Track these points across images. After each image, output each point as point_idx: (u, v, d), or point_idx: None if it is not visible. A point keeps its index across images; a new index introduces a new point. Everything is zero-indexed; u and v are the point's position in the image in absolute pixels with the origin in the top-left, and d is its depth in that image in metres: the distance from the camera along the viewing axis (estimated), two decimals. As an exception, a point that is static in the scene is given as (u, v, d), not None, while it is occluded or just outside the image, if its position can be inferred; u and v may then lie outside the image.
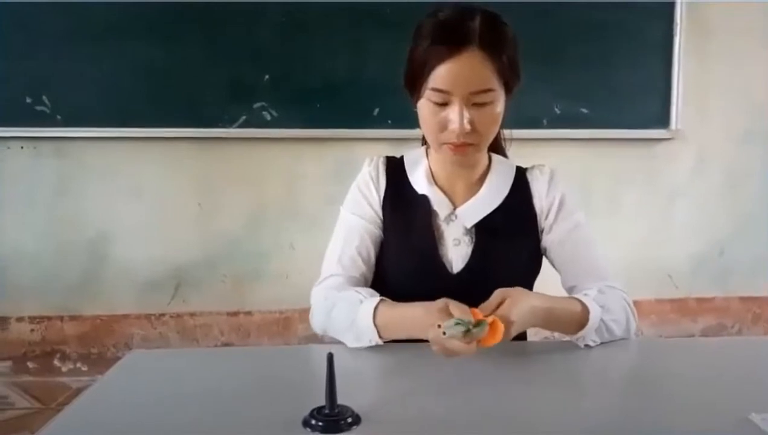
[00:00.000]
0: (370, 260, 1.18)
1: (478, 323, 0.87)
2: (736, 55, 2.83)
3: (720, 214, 2.95)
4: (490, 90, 1.02)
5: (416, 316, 0.93)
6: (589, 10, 2.66)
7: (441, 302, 0.92)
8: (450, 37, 1.00)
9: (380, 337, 1.00)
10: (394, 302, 1.02)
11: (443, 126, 1.04)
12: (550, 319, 1.00)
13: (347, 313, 1.04)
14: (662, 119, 2.76)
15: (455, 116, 1.02)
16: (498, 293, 0.95)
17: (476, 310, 0.91)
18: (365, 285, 1.17)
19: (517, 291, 0.97)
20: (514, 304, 0.93)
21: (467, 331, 0.85)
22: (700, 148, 2.89)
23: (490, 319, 0.88)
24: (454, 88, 1.01)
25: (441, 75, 1.01)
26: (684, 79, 2.73)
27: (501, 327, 0.88)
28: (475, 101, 1.02)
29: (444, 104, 1.03)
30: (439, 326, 0.85)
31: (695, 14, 2.73)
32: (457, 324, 0.85)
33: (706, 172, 2.92)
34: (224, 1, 2.53)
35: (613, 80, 2.72)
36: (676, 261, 2.95)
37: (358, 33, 2.60)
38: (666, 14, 2.70)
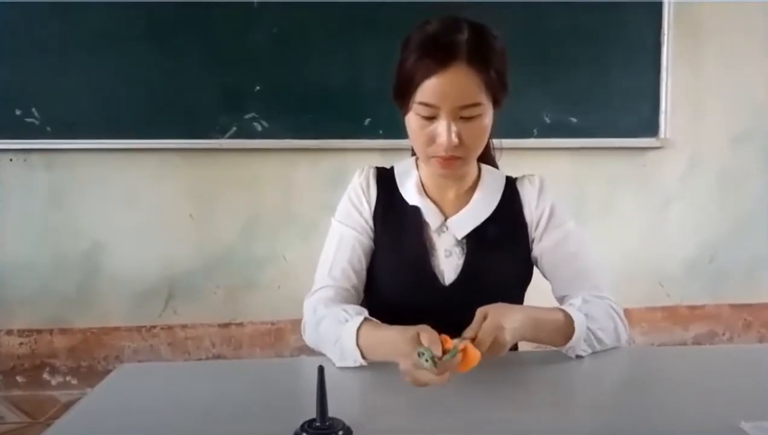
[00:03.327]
0: (361, 271, 1.17)
1: (447, 352, 0.83)
2: (728, 58, 2.85)
3: (711, 221, 2.96)
4: (477, 104, 1.02)
5: (392, 342, 0.91)
6: (578, 17, 2.67)
7: (413, 330, 0.88)
8: (437, 51, 1.00)
9: (364, 358, 0.98)
10: (379, 323, 1.00)
11: (431, 139, 1.05)
12: (537, 327, 1.00)
13: (333, 331, 1.02)
14: (652, 127, 2.78)
15: (443, 130, 1.02)
16: (479, 311, 0.94)
17: (447, 338, 0.87)
18: (357, 296, 1.16)
19: (498, 305, 0.96)
20: (500, 315, 0.93)
21: (434, 363, 0.81)
22: (690, 154, 2.90)
23: (461, 345, 0.85)
24: (441, 103, 1.01)
25: (428, 89, 1.01)
26: (674, 85, 2.74)
27: (474, 353, 0.85)
28: (462, 115, 1.02)
29: (432, 118, 1.03)
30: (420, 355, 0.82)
31: (684, 17, 2.74)
32: (420, 354, 0.81)
33: (696, 180, 2.93)
34: (215, 11, 2.53)
35: (602, 89, 2.74)
36: (667, 269, 2.96)
37: (350, 43, 2.60)
38: (655, 20, 2.72)
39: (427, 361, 0.81)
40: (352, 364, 0.99)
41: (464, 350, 0.85)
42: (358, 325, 0.98)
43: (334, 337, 1.01)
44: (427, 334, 0.86)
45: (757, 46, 2.87)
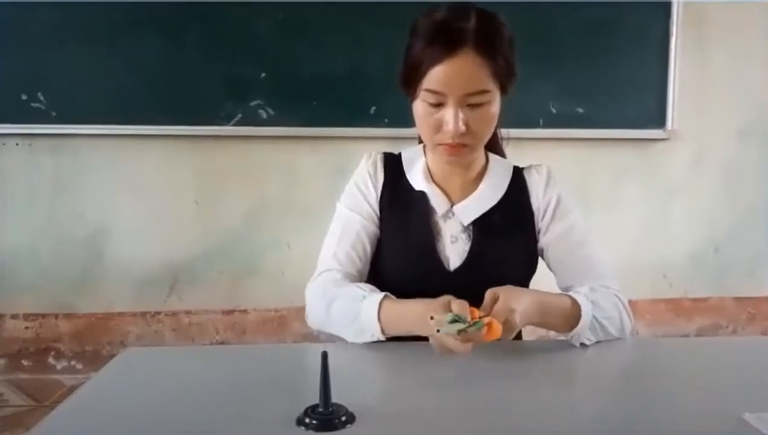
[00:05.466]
0: (366, 256, 1.18)
1: (475, 323, 0.86)
2: (734, 51, 2.83)
3: (715, 214, 2.95)
4: (485, 91, 1.02)
5: (418, 312, 0.93)
6: (586, 8, 2.66)
7: (443, 299, 0.92)
8: (444, 38, 0.99)
9: (383, 332, 1.00)
10: (397, 298, 1.02)
11: (438, 127, 1.05)
12: (545, 312, 1.00)
13: (349, 308, 1.03)
14: (658, 119, 2.77)
15: (450, 117, 1.02)
16: (490, 292, 0.95)
17: (475, 309, 0.90)
18: (361, 281, 1.17)
19: (508, 287, 0.97)
20: (510, 297, 0.93)
21: (462, 330, 0.84)
22: (696, 147, 2.89)
23: (486, 319, 0.88)
24: (448, 90, 1.01)
25: (435, 76, 1.01)
26: (681, 78, 2.73)
27: (498, 327, 0.88)
28: (470, 102, 1.02)
29: (439, 105, 1.03)
30: (432, 318, 0.86)
31: (692, 12, 2.73)
32: (453, 321, 0.85)
33: (702, 172, 2.92)
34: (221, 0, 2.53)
35: (609, 80, 2.72)
36: (672, 261, 2.96)
37: (355, 31, 2.59)
38: (663, 12, 2.70)
39: (461, 327, 0.84)
40: (369, 339, 1.01)
41: (489, 324, 0.88)
42: (379, 300, 1.00)
43: (351, 314, 1.03)
44: (458, 303, 0.89)
45: (764, 41, 2.86)
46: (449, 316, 0.85)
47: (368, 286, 1.08)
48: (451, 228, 1.16)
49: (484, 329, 0.87)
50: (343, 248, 1.16)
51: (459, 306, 0.88)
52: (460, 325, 0.85)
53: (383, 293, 1.02)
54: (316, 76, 2.60)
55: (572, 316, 1.02)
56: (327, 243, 1.19)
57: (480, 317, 0.88)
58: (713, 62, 2.84)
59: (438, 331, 0.85)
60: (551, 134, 2.71)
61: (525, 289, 1.03)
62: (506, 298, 0.93)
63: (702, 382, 0.94)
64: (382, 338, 1.01)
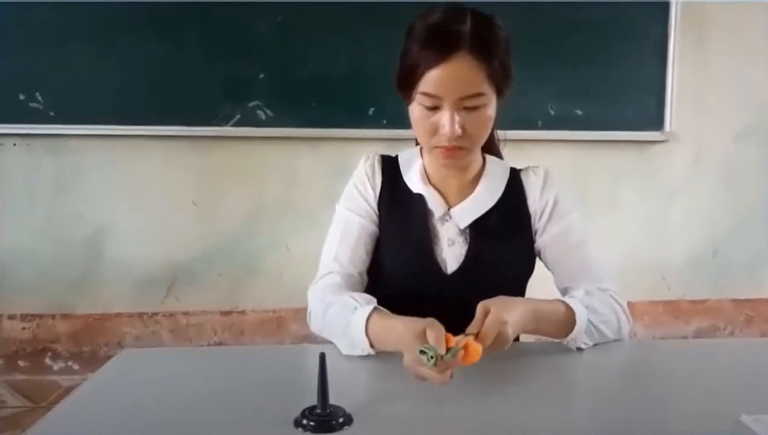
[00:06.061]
0: (367, 257, 1.17)
1: (449, 350, 0.82)
2: (733, 53, 2.84)
3: (714, 215, 2.96)
4: (480, 94, 1.01)
5: (399, 333, 0.90)
6: (585, 9, 2.67)
7: (421, 325, 0.86)
8: (440, 42, 0.99)
9: (372, 347, 0.97)
10: (388, 313, 0.99)
11: (434, 130, 1.04)
12: (539, 320, 0.99)
13: (341, 319, 1.02)
14: (657, 120, 2.77)
15: (446, 121, 1.02)
16: (481, 306, 0.93)
17: (450, 336, 0.85)
18: (362, 282, 1.16)
19: (499, 298, 0.95)
20: (501, 309, 0.91)
21: (436, 361, 0.80)
22: (695, 149, 2.89)
23: (462, 342, 0.84)
24: (444, 93, 1.00)
25: (431, 80, 1.00)
26: (679, 79, 2.73)
27: (476, 348, 0.84)
28: (466, 105, 1.02)
29: (435, 108, 1.03)
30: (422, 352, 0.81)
31: (691, 12, 2.73)
32: (423, 353, 0.80)
33: (700, 174, 2.92)
34: (220, 0, 2.52)
35: (607, 81, 2.73)
36: (670, 263, 2.96)
37: (354, 32, 2.60)
38: (662, 13, 2.71)
39: (430, 358, 0.79)
40: (360, 353, 0.99)
41: (465, 346, 0.84)
42: (367, 314, 0.97)
43: (342, 325, 1.01)
44: (433, 331, 0.84)
45: (763, 42, 2.86)
46: (423, 347, 0.81)
47: (363, 297, 1.05)
48: (448, 231, 1.16)
49: (461, 354, 0.83)
50: (344, 250, 1.15)
51: (434, 335, 0.83)
52: (429, 358, 0.80)
53: (372, 306, 0.99)
54: (315, 76, 2.60)
55: (567, 321, 1.02)
56: (327, 245, 1.18)
57: (456, 344, 0.83)
58: (712, 63, 2.84)
59: (429, 359, 0.80)
60: (550, 136, 2.71)
61: (517, 298, 1.01)
62: (498, 311, 0.91)
63: (699, 384, 0.94)
64: (372, 353, 0.98)
